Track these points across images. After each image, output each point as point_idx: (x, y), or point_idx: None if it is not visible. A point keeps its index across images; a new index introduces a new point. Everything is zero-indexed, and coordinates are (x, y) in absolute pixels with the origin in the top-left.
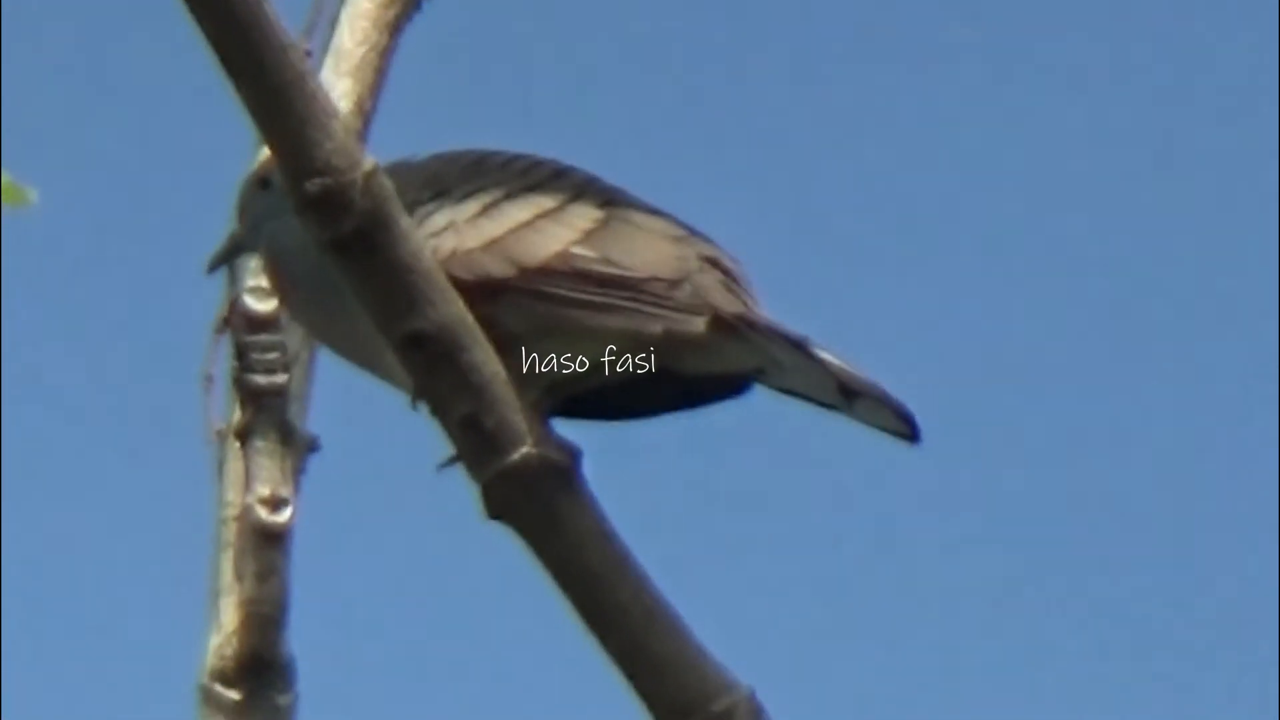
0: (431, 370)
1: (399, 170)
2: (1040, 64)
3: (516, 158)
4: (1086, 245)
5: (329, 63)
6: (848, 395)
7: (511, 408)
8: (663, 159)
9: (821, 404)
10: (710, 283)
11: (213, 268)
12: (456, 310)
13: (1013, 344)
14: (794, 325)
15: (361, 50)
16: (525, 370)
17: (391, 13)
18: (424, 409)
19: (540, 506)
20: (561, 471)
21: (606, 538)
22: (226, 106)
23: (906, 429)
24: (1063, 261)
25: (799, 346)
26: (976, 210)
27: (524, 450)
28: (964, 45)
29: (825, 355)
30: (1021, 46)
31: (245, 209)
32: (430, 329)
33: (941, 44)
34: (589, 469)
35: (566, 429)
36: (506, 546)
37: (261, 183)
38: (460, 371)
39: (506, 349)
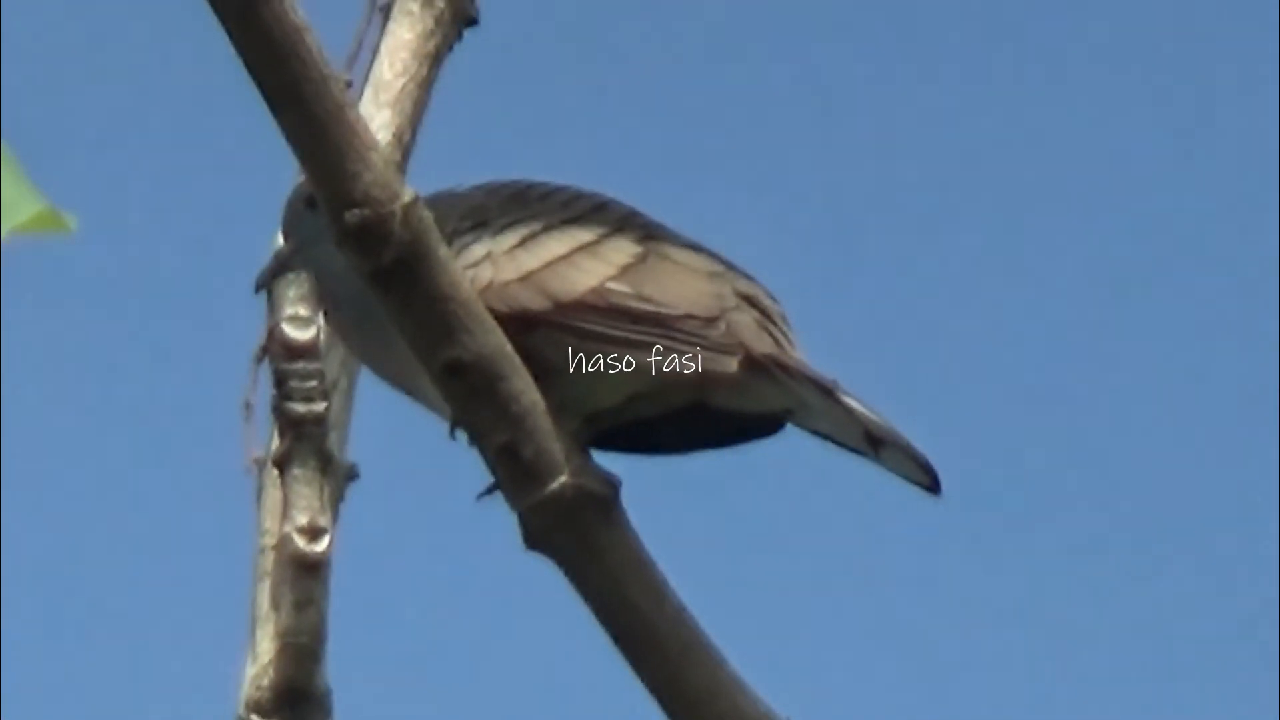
0: (470, 399)
1: (440, 201)
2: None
3: (557, 190)
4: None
5: (369, 94)
6: (874, 443)
7: (550, 437)
8: (702, 191)
9: (850, 448)
10: (745, 321)
11: (260, 287)
12: (495, 340)
13: (1041, 377)
14: (824, 366)
15: (401, 81)
16: (563, 400)
17: (431, 44)
18: (463, 438)
19: (578, 536)
20: (600, 501)
21: (645, 568)
22: (268, 136)
23: (928, 480)
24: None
25: (827, 392)
26: (985, 215)
27: (562, 480)
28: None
29: (852, 402)
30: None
31: (291, 229)
32: (469, 358)
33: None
34: (628, 499)
35: (606, 460)
36: (545, 576)
37: (308, 202)
38: (499, 401)
39: (545, 380)
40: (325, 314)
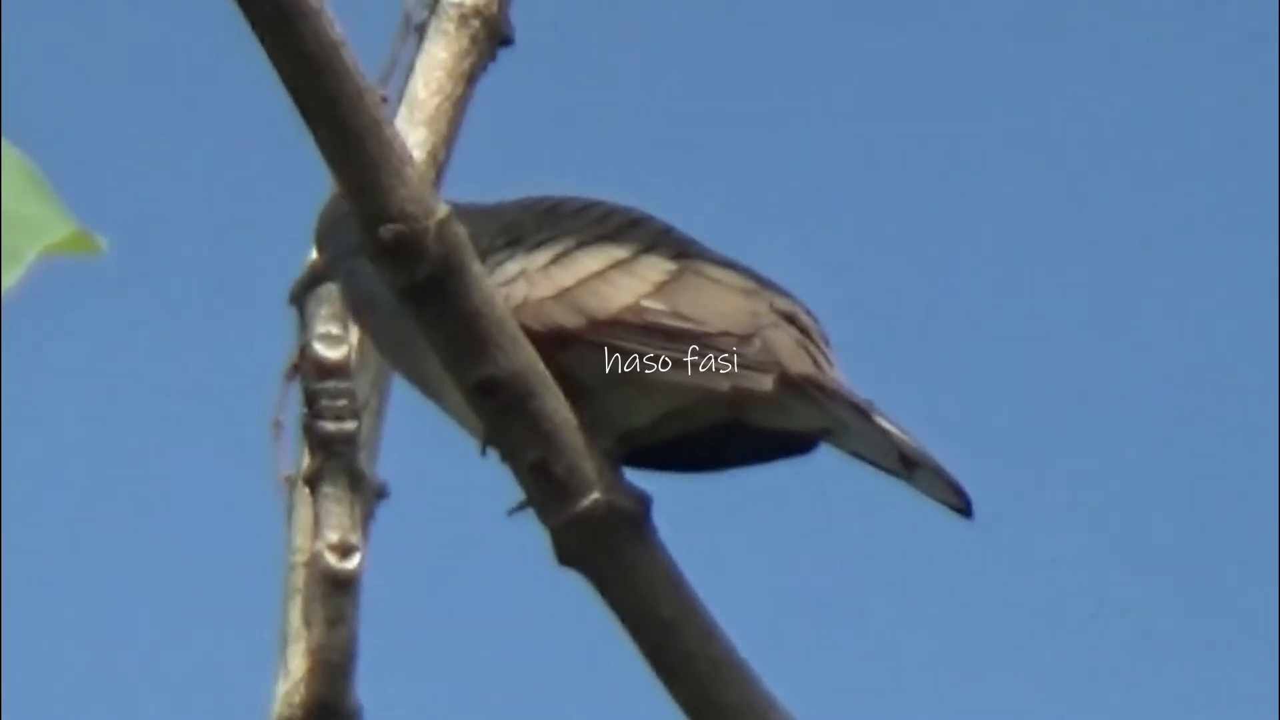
0: (502, 416)
1: (474, 215)
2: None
3: (591, 205)
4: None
5: (403, 112)
6: (908, 464)
7: (582, 454)
8: (736, 208)
9: (884, 469)
10: (781, 339)
11: (294, 299)
12: (528, 357)
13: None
14: (860, 389)
15: (436, 100)
16: (596, 418)
17: (466, 63)
18: (494, 455)
19: (610, 553)
20: (631, 519)
21: (676, 585)
22: (303, 151)
23: (960, 504)
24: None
25: (862, 412)
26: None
27: (594, 497)
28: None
29: (887, 423)
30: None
31: (326, 240)
32: (501, 375)
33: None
34: (659, 516)
35: (638, 478)
36: (576, 593)
37: (344, 215)
38: (530, 418)
39: (577, 397)
40: (359, 324)
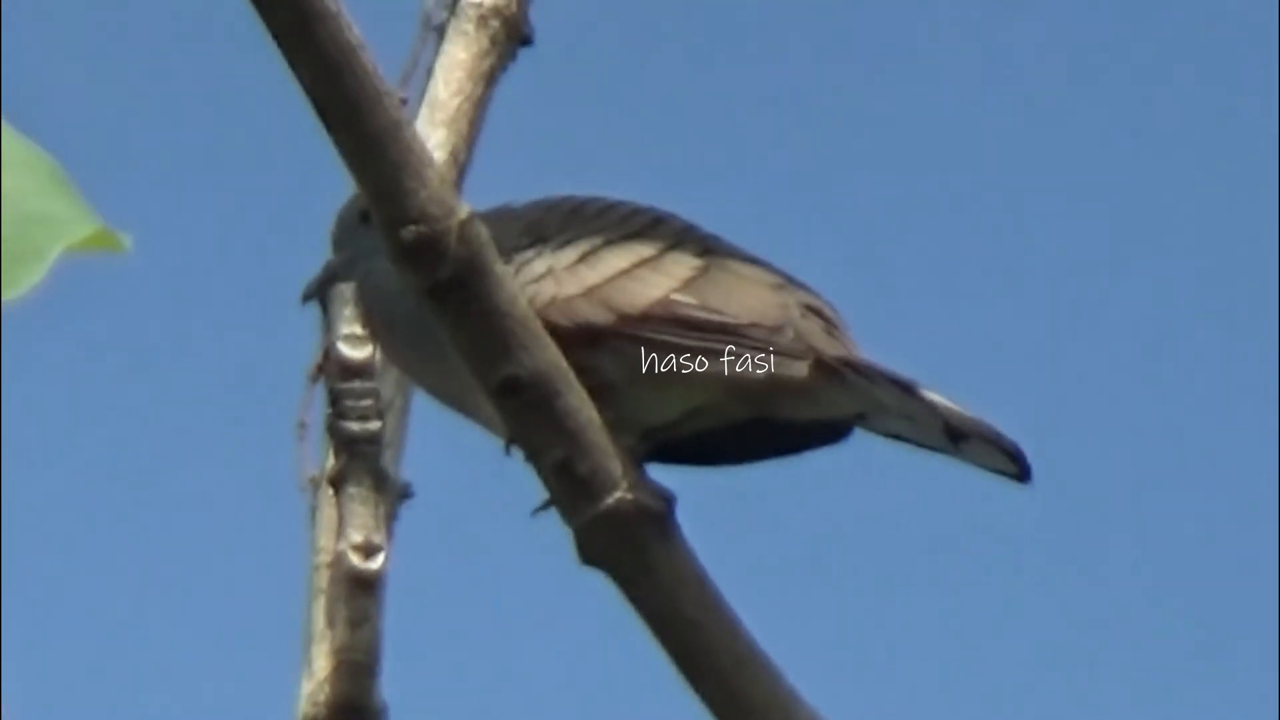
0: (526, 416)
1: (497, 217)
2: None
3: (615, 205)
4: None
5: (424, 113)
6: (954, 437)
7: (606, 453)
8: (758, 206)
9: (926, 446)
10: (812, 328)
11: (308, 297)
12: (551, 356)
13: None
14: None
15: (456, 101)
16: (620, 416)
17: (486, 63)
18: (518, 454)
19: (634, 552)
20: (655, 517)
21: (700, 583)
22: (323, 153)
23: (1016, 469)
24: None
25: (906, 388)
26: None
27: (618, 495)
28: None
29: (933, 396)
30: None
31: (343, 241)
32: (525, 375)
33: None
34: (683, 514)
35: (663, 475)
36: (599, 592)
37: (362, 216)
38: (554, 417)
39: (601, 395)
40: (372, 332)
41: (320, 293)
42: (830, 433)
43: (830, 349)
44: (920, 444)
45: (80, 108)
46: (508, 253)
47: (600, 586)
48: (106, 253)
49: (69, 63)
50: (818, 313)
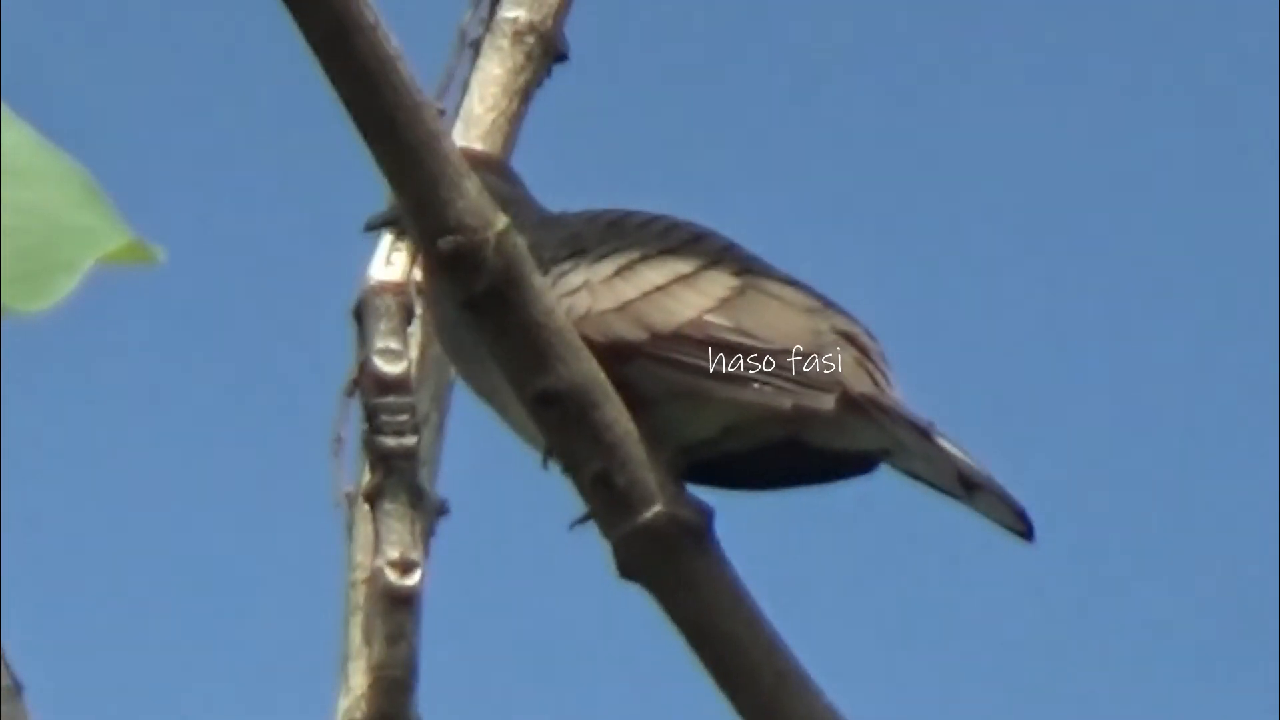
0: (563, 428)
1: (536, 228)
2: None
3: (655, 219)
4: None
5: (459, 128)
6: (967, 486)
7: (644, 466)
8: (797, 225)
9: (943, 491)
10: (843, 359)
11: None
12: (588, 368)
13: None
14: (920, 408)
15: (491, 116)
16: (656, 431)
17: (521, 79)
18: (556, 467)
19: (672, 566)
20: (694, 531)
21: (738, 598)
22: (360, 165)
23: (1021, 527)
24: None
25: (922, 433)
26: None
27: (656, 509)
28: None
29: (947, 444)
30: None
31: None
32: (562, 387)
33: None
34: (722, 530)
35: (699, 493)
36: (638, 606)
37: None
38: (592, 429)
39: (638, 409)
40: (433, 318)
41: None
42: (860, 463)
43: (857, 384)
44: (937, 487)
45: (115, 119)
46: (546, 264)
47: (639, 601)
48: (139, 265)
49: (104, 74)
50: (852, 339)
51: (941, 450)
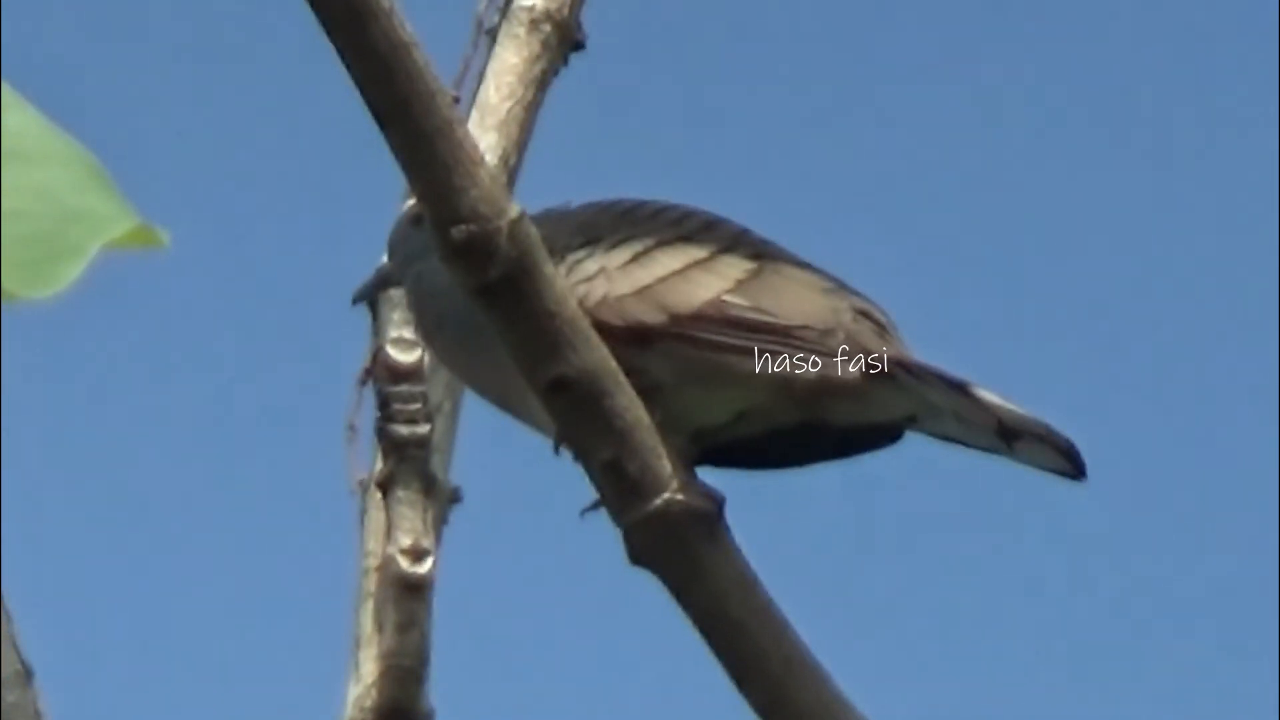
0: (575, 415)
1: (550, 218)
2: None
3: (668, 208)
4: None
5: (475, 117)
6: (1007, 437)
7: (655, 453)
8: (813, 210)
9: (979, 447)
10: (863, 331)
11: (358, 300)
12: (600, 356)
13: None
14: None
15: (507, 105)
16: (669, 417)
17: (537, 68)
18: (567, 455)
19: (683, 553)
20: (704, 518)
21: (749, 585)
22: (374, 152)
23: (1071, 467)
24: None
25: (959, 388)
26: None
27: (667, 496)
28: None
29: (986, 395)
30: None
31: (397, 246)
32: (574, 374)
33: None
34: (733, 516)
35: (711, 477)
36: (648, 593)
37: (414, 220)
38: (603, 417)
39: (651, 396)
40: (423, 333)
41: (370, 296)
42: (880, 436)
43: (883, 349)
44: (971, 445)
45: (122, 102)
46: (559, 253)
47: (649, 588)
48: (146, 249)
49: (112, 57)
50: (869, 316)
51: (980, 402)
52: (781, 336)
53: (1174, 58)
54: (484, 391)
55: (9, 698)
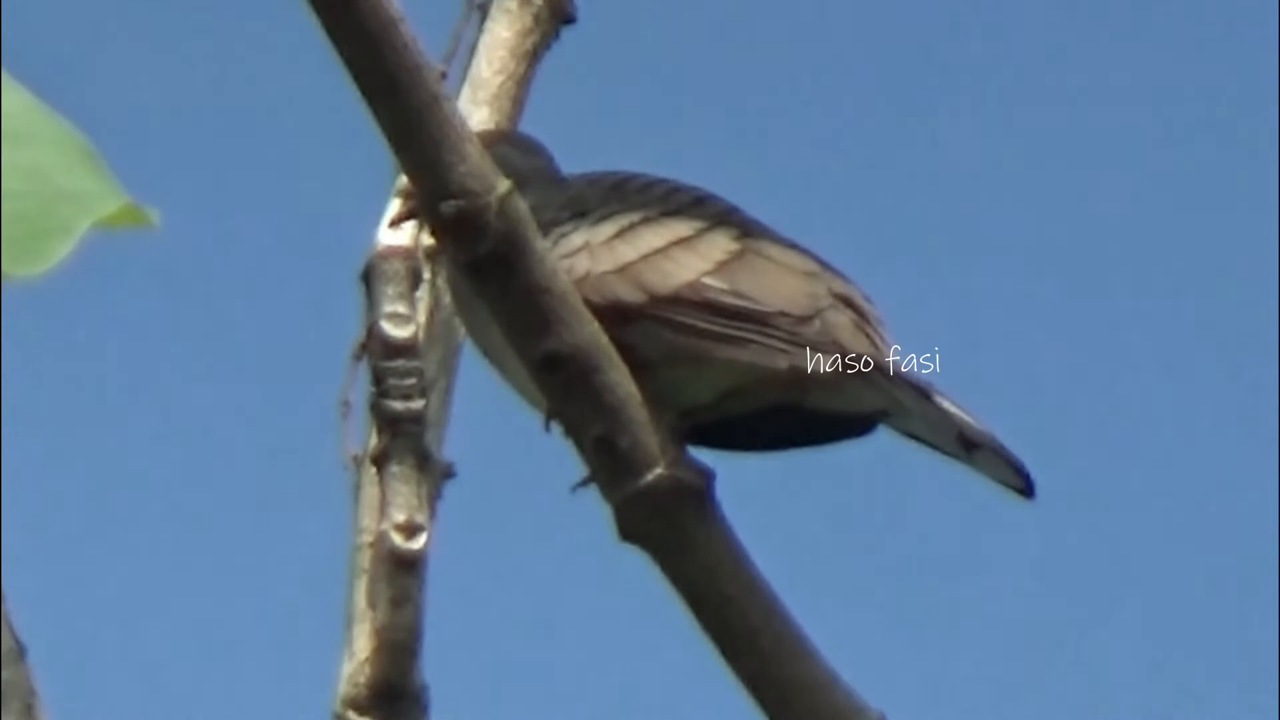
0: (566, 391)
1: (538, 189)
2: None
3: (657, 182)
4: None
5: (466, 91)
6: (966, 445)
7: (645, 429)
8: (799, 188)
9: (942, 451)
10: (840, 321)
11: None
12: (591, 332)
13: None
14: (920, 370)
15: (499, 79)
16: (657, 394)
17: (529, 42)
18: (558, 430)
19: (673, 528)
20: (695, 494)
21: (739, 561)
22: (363, 128)
23: (1021, 484)
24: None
25: (922, 392)
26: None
27: (658, 472)
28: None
29: (947, 404)
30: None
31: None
32: (565, 350)
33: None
34: (722, 492)
35: (700, 455)
36: (638, 568)
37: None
38: (594, 392)
39: (639, 372)
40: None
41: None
42: (859, 425)
43: (855, 345)
44: (936, 448)
45: (113, 82)
46: (547, 226)
47: (640, 563)
48: (136, 229)
49: (103, 37)
50: (849, 303)
51: (941, 410)
52: (757, 324)
53: (1174, 57)
54: (484, 356)
55: (5, 675)
